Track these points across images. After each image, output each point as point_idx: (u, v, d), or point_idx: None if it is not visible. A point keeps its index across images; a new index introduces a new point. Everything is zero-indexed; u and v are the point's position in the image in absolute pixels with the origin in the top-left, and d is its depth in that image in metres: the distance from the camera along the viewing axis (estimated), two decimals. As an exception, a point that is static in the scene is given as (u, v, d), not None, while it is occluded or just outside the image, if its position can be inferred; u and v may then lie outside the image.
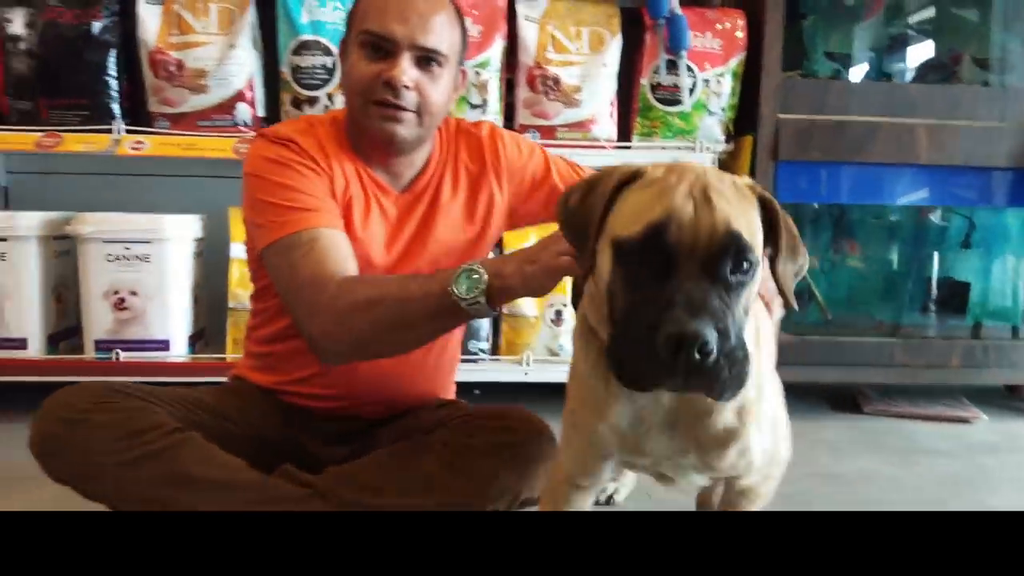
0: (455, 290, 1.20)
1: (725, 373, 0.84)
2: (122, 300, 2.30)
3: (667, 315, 0.82)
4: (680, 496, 1.57)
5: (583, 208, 0.97)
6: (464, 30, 1.45)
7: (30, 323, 2.34)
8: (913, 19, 3.03)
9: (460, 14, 1.44)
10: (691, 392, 0.89)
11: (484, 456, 1.37)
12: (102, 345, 2.32)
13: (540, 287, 1.19)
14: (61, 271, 2.45)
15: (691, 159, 2.49)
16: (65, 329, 2.48)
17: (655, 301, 0.85)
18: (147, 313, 2.31)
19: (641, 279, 0.88)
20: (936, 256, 2.98)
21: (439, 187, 1.49)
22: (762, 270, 0.93)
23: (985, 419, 2.57)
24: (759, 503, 1.17)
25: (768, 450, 1.09)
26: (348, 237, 1.37)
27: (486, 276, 1.20)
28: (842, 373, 2.56)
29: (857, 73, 2.87)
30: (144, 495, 1.28)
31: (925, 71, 2.83)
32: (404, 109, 1.35)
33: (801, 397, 2.71)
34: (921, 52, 2.95)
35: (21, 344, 2.34)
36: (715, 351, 0.82)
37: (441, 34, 1.36)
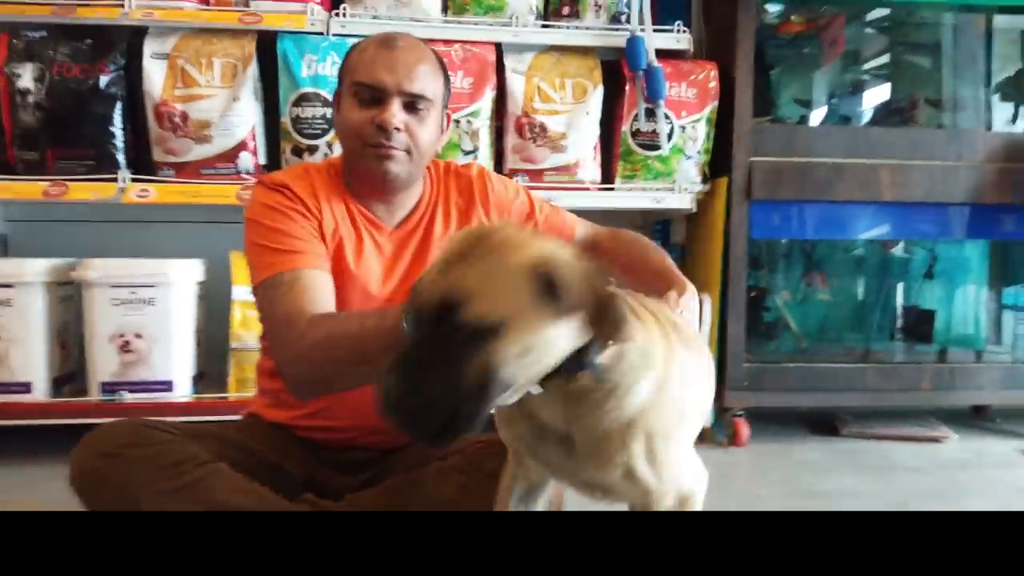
0: (404, 323, 1.18)
1: (414, 420, 0.90)
2: (127, 343, 2.36)
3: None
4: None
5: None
6: (447, 78, 1.59)
7: (35, 367, 2.39)
8: (869, 65, 3.24)
9: (442, 64, 1.59)
10: (404, 432, 0.92)
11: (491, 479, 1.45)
12: (108, 387, 2.37)
13: None
14: (64, 316, 2.50)
15: (671, 199, 2.64)
16: (68, 373, 2.53)
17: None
18: (152, 355, 2.37)
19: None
20: (902, 286, 3.15)
21: (431, 222, 1.60)
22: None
23: (955, 438, 2.73)
24: None
25: (665, 478, 1.09)
26: (343, 272, 1.48)
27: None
28: (819, 398, 2.69)
29: (821, 117, 3.05)
30: (180, 524, 1.35)
31: (885, 114, 3.03)
32: (396, 149, 1.48)
33: (781, 422, 2.84)
34: (879, 96, 3.15)
35: (26, 388, 2.38)
36: (392, 399, 0.89)
37: (425, 81, 1.50)
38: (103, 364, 2.37)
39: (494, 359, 0.89)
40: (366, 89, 1.48)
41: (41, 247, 2.71)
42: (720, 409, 2.64)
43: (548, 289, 0.90)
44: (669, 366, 1.07)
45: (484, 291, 0.89)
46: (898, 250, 3.11)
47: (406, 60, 1.48)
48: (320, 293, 1.40)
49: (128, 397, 2.36)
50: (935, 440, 2.70)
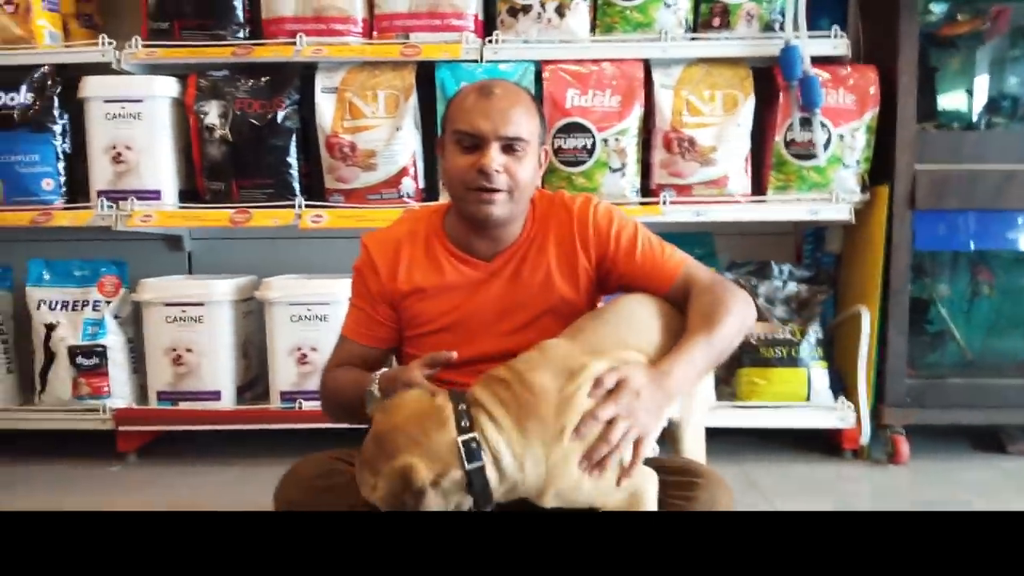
0: (369, 390, 1.50)
1: None
2: (304, 356, 2.57)
3: None
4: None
5: None
6: (542, 116, 1.66)
7: (223, 377, 2.64)
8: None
9: (535, 102, 1.66)
10: None
11: (670, 510, 1.50)
12: (286, 396, 2.59)
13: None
14: (247, 329, 2.74)
15: (828, 210, 2.60)
16: (250, 381, 2.77)
17: None
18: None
19: None
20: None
21: (527, 251, 1.66)
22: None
23: None
24: None
25: (605, 491, 1.32)
26: (425, 307, 1.66)
27: (376, 375, 1.51)
28: (985, 415, 2.58)
29: (987, 120, 2.87)
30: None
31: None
32: (498, 191, 1.56)
33: (943, 437, 2.73)
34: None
35: (216, 396, 2.63)
36: None
37: (520, 123, 1.56)
38: (283, 375, 2.59)
39: None
40: (466, 136, 1.56)
41: (222, 263, 2.97)
42: (878, 426, 2.58)
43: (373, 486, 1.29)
44: (550, 434, 1.29)
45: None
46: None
47: (501, 106, 1.56)
48: (358, 360, 1.69)
49: (305, 405, 2.56)
50: (1115, 461, 2.55)
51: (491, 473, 1.28)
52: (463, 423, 1.29)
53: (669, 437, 1.66)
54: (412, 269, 1.66)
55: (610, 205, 1.71)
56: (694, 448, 1.68)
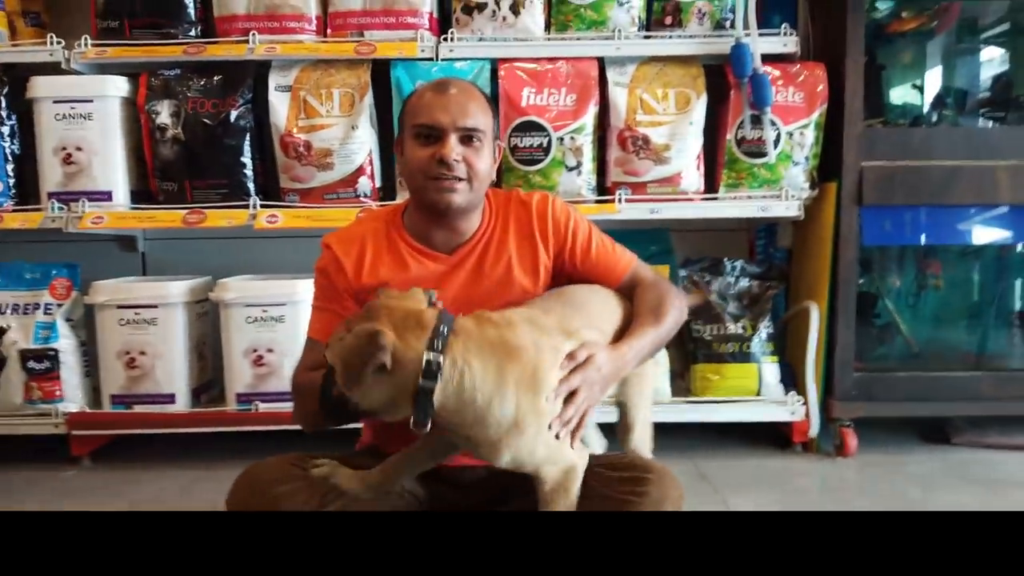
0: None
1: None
2: (260, 357, 2.56)
3: None
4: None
5: None
6: (495, 112, 1.74)
7: (178, 380, 2.62)
8: (987, 59, 3.10)
9: (488, 99, 1.73)
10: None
11: (621, 505, 1.50)
12: (242, 398, 2.58)
13: None
14: (202, 330, 2.72)
15: (777, 207, 2.64)
16: (206, 383, 2.75)
17: None
18: (282, 368, 2.55)
19: None
20: (1018, 285, 3.04)
21: (486, 248, 1.71)
22: None
23: (1077, 448, 2.65)
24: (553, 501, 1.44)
25: (544, 460, 1.41)
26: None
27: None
28: (931, 408, 2.66)
29: (934, 117, 2.94)
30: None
31: (1003, 111, 2.90)
32: (457, 179, 1.61)
33: (890, 429, 2.81)
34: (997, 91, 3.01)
35: (171, 399, 2.61)
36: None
37: (476, 115, 1.64)
38: (238, 377, 2.58)
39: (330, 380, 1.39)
40: (425, 129, 1.62)
41: (176, 263, 2.95)
42: (827, 419, 2.64)
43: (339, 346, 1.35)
44: (530, 375, 1.38)
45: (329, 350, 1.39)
46: (1016, 249, 2.99)
47: (458, 100, 1.63)
48: (321, 360, 1.64)
49: (262, 407, 2.55)
50: (1055, 450, 2.63)
51: (438, 398, 1.33)
52: (436, 344, 1.33)
53: (619, 430, 1.73)
54: (376, 265, 1.68)
55: (565, 202, 1.78)
56: (642, 439, 1.75)
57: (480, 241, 1.71)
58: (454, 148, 1.60)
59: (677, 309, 1.69)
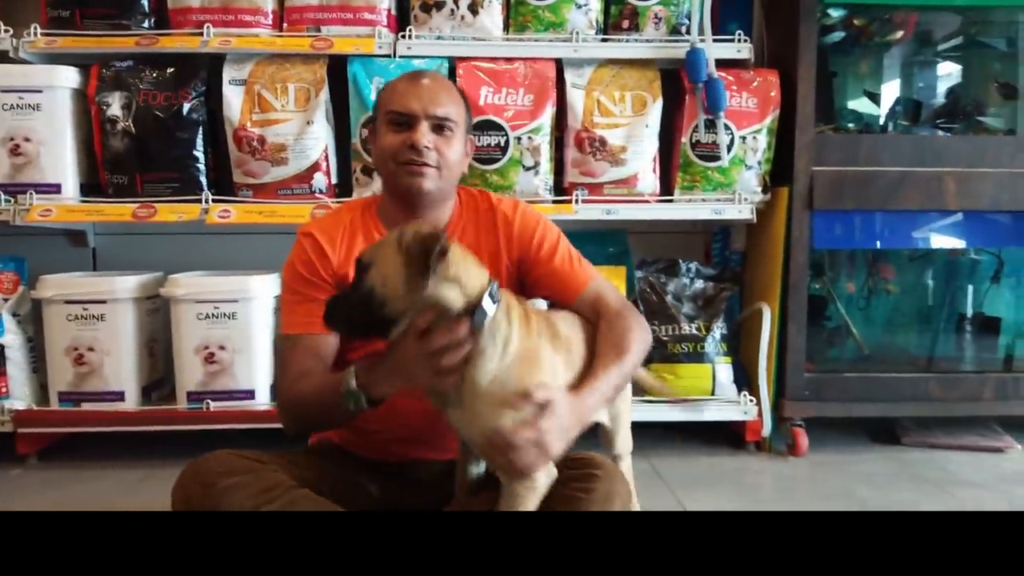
0: (345, 383, 1.48)
1: (344, 315, 1.44)
2: (212, 354, 2.52)
3: None
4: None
5: None
6: (468, 107, 1.77)
7: (127, 377, 2.57)
8: (936, 70, 3.18)
9: (463, 93, 1.77)
10: (337, 330, 1.55)
11: (569, 501, 1.53)
12: (193, 396, 2.54)
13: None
14: (152, 327, 2.68)
15: (731, 210, 2.67)
16: (156, 380, 2.71)
17: None
18: (234, 365, 2.52)
19: None
20: (968, 291, 3.11)
21: (460, 239, 1.70)
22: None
23: (1018, 448, 2.71)
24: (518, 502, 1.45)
25: None
26: None
27: (352, 368, 1.49)
28: (880, 408, 2.70)
29: (884, 123, 3.01)
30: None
31: (951, 118, 2.97)
32: (427, 165, 1.65)
33: (841, 429, 2.86)
34: (945, 100, 3.09)
35: (120, 396, 2.56)
36: (331, 303, 1.45)
37: (448, 106, 1.68)
38: (189, 374, 2.53)
39: (373, 281, 1.37)
40: (398, 116, 1.66)
41: (127, 259, 2.90)
42: (779, 419, 2.68)
43: (400, 239, 1.36)
44: (534, 355, 1.45)
45: (371, 253, 1.41)
46: (963, 254, 3.07)
47: (431, 88, 1.68)
48: (313, 356, 1.65)
49: (213, 406, 2.52)
50: (998, 450, 2.69)
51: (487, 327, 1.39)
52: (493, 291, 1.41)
53: (602, 436, 1.79)
54: (352, 254, 1.66)
55: (536, 211, 1.80)
56: (624, 443, 1.85)
57: (452, 234, 1.71)
58: (425, 135, 1.64)
59: (642, 342, 1.65)
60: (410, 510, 1.66)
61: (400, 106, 1.66)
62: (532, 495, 1.45)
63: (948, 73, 3.20)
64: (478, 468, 1.53)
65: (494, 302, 1.39)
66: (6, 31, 2.53)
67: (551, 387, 1.45)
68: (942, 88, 3.17)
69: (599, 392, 1.54)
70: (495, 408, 1.40)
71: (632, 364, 1.62)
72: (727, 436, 2.77)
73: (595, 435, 1.74)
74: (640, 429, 2.67)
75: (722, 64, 2.66)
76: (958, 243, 2.78)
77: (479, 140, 2.58)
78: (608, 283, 1.76)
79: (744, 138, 2.67)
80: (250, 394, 2.53)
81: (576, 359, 1.58)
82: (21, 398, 2.59)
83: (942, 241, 2.74)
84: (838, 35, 2.92)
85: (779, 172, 2.71)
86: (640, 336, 1.65)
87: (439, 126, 1.67)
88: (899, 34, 2.97)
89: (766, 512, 1.44)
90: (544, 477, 1.46)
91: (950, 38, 3.13)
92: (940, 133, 2.90)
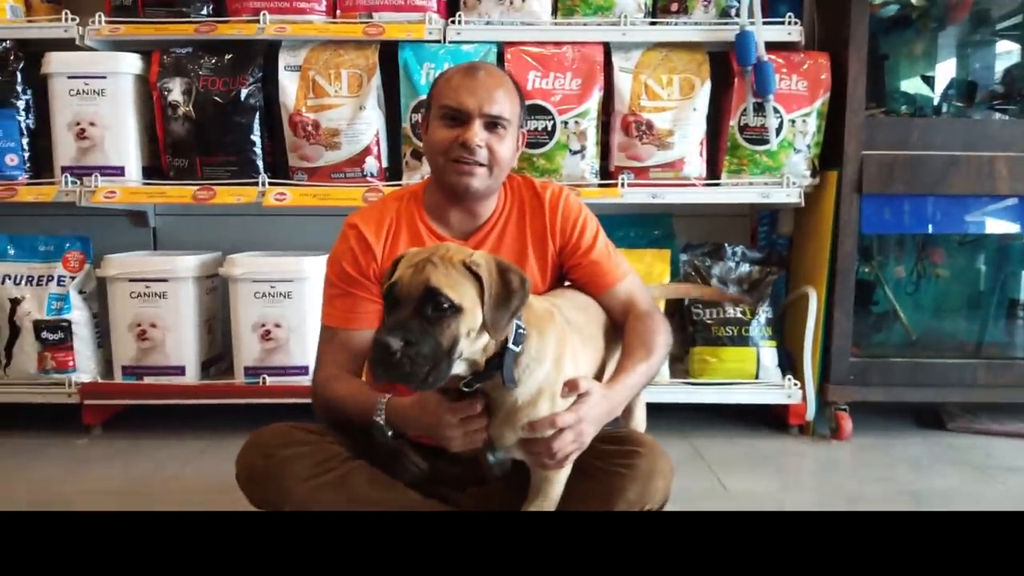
0: (377, 409, 1.52)
1: (408, 368, 1.25)
2: (268, 332, 2.61)
3: (378, 332, 1.28)
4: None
5: (385, 274, 1.43)
6: (522, 99, 1.75)
7: (187, 353, 2.68)
8: (990, 51, 3.11)
9: (517, 86, 1.75)
10: (392, 382, 1.29)
11: (612, 476, 1.58)
12: (250, 371, 2.64)
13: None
14: (211, 305, 2.78)
15: (778, 194, 2.67)
16: (215, 356, 2.82)
17: (382, 325, 1.32)
18: (289, 343, 2.61)
19: (386, 313, 1.34)
20: (1019, 276, 3.07)
21: (503, 232, 1.75)
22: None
23: (1067, 436, 2.69)
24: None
25: None
26: None
27: (384, 400, 1.53)
28: (926, 394, 2.69)
29: (937, 106, 2.96)
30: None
31: (1007, 98, 2.91)
32: (478, 164, 1.65)
33: (885, 414, 2.86)
34: (1001, 84, 3.02)
35: (180, 371, 2.68)
36: (397, 352, 1.23)
37: (503, 103, 1.66)
38: (247, 351, 2.63)
39: (459, 329, 1.29)
40: (452, 111, 1.65)
41: (185, 239, 3.00)
42: (823, 403, 2.69)
43: (471, 271, 1.32)
44: (560, 357, 1.45)
45: (451, 283, 1.29)
46: (1015, 239, 3.02)
47: (487, 85, 1.66)
48: (348, 351, 1.70)
49: (269, 380, 2.61)
50: (1046, 438, 2.68)
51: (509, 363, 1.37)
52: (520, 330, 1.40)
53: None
54: (396, 244, 1.72)
55: (579, 200, 1.81)
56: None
57: (495, 227, 1.75)
58: (478, 133, 1.64)
59: (666, 345, 1.70)
60: (448, 510, 1.68)
61: (455, 101, 1.64)
62: (563, 479, 1.52)
63: (1007, 51, 3.13)
64: (495, 457, 1.53)
65: (516, 345, 1.38)
66: (72, 19, 2.63)
67: (587, 378, 1.50)
68: (999, 69, 3.10)
69: (629, 387, 1.59)
70: (531, 409, 1.42)
71: (657, 364, 1.67)
72: (770, 419, 2.78)
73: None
74: (681, 412, 2.74)
75: (772, 47, 2.65)
76: (1010, 228, 2.74)
77: (526, 124, 2.61)
78: (639, 281, 1.80)
79: (793, 121, 2.66)
80: (304, 370, 2.62)
81: (588, 341, 1.62)
82: (87, 371, 2.72)
83: (993, 226, 2.71)
84: (891, 14, 2.89)
85: (828, 156, 2.70)
86: (665, 340, 1.70)
87: (492, 124, 1.66)
88: (952, 13, 2.92)
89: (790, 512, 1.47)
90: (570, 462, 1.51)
91: (1008, 16, 3.07)
92: (996, 116, 2.85)
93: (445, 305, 1.28)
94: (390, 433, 1.53)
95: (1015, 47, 3.12)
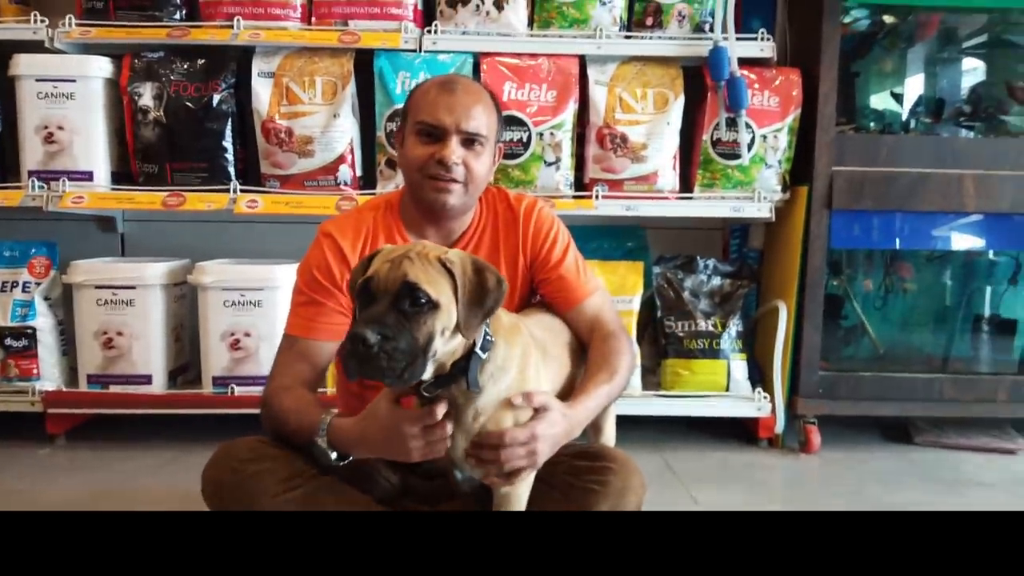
0: (319, 429, 1.48)
1: (384, 363, 1.23)
2: (237, 341, 2.58)
3: (354, 325, 1.26)
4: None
5: (356, 268, 1.41)
6: (499, 113, 1.73)
7: (155, 361, 2.63)
8: (957, 69, 3.17)
9: (495, 100, 1.73)
10: (366, 377, 1.26)
11: (585, 493, 1.57)
12: (219, 381, 2.60)
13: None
14: (179, 313, 2.74)
15: (750, 208, 2.70)
16: (182, 365, 2.77)
17: (357, 319, 1.30)
18: (259, 352, 2.58)
19: (361, 308, 1.31)
20: (985, 291, 3.12)
21: (479, 244, 1.75)
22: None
23: (1031, 450, 2.73)
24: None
25: None
26: None
27: (328, 418, 1.48)
28: (894, 408, 2.72)
29: (905, 124, 3.01)
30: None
31: (970, 120, 2.97)
32: (454, 181, 1.63)
33: (854, 427, 2.88)
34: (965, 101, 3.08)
35: (147, 380, 2.63)
36: (374, 346, 1.21)
37: (480, 119, 1.64)
38: (215, 360, 2.60)
39: (435, 326, 1.28)
40: (428, 127, 1.63)
41: (154, 245, 2.96)
42: (792, 416, 2.71)
43: (446, 269, 1.31)
44: (525, 370, 1.44)
45: (429, 279, 1.28)
46: (981, 255, 3.08)
47: (464, 101, 1.63)
48: (307, 362, 1.65)
49: (238, 391, 2.58)
50: (1011, 452, 2.71)
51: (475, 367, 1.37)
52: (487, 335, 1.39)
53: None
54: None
55: (552, 212, 1.80)
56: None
57: (470, 241, 1.74)
58: (455, 151, 1.62)
59: (630, 367, 1.69)
60: (419, 510, 1.67)
61: (431, 117, 1.62)
62: (523, 496, 1.48)
63: (972, 68, 3.19)
64: (463, 474, 1.50)
65: (483, 351, 1.37)
66: (42, 21, 2.59)
67: (547, 393, 1.49)
68: (965, 86, 3.16)
69: (589, 409, 1.58)
70: (490, 420, 1.41)
71: (619, 386, 1.66)
72: (740, 432, 2.80)
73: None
74: (653, 424, 2.75)
75: (744, 62, 2.68)
76: (976, 245, 2.79)
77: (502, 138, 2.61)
78: (607, 300, 1.79)
79: (765, 136, 2.69)
80: (274, 380, 2.58)
81: (551, 360, 1.59)
82: (51, 379, 2.66)
83: (960, 242, 2.76)
84: (861, 31, 2.93)
85: (799, 171, 2.73)
86: (629, 361, 1.69)
87: (469, 140, 1.64)
88: (920, 32, 2.97)
89: (776, 512, 1.48)
90: (531, 479, 1.49)
91: (974, 35, 3.13)
92: (962, 132, 2.90)
93: (423, 300, 1.27)
94: (333, 455, 1.48)
95: (981, 64, 3.18)
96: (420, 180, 1.65)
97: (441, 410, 1.38)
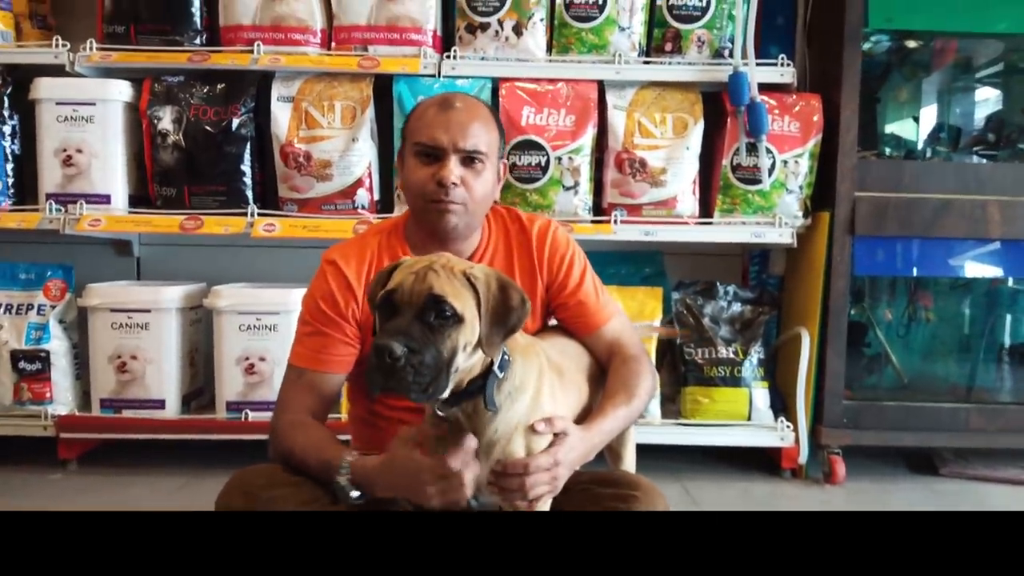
0: (340, 469, 1.44)
1: (410, 378, 1.20)
2: (252, 366, 2.55)
3: (378, 337, 1.22)
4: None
5: (376, 280, 1.38)
6: (500, 128, 1.70)
7: (168, 386, 2.61)
8: (979, 96, 3.15)
9: (495, 115, 1.70)
10: (391, 392, 1.24)
11: None
12: (232, 406, 2.57)
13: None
14: (194, 337, 2.72)
15: (771, 234, 2.66)
16: (196, 389, 2.75)
17: (382, 332, 1.26)
18: (273, 377, 2.55)
19: (382, 321, 1.28)
20: (1008, 319, 3.07)
21: (490, 265, 1.67)
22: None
23: (1061, 483, 2.66)
24: None
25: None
26: None
27: (348, 460, 1.45)
28: (919, 438, 2.67)
29: (927, 150, 2.99)
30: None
31: (992, 143, 2.95)
32: (455, 203, 1.59)
33: (879, 458, 2.82)
34: (988, 127, 3.06)
35: (160, 404, 2.61)
36: (401, 358, 1.19)
37: (479, 136, 1.61)
38: (229, 385, 2.57)
39: (458, 340, 1.26)
40: (425, 148, 1.60)
41: (170, 269, 2.95)
42: (816, 446, 2.65)
43: (470, 283, 1.29)
44: (540, 391, 1.41)
45: (454, 292, 1.26)
46: (1004, 282, 3.04)
47: (460, 120, 1.60)
48: (315, 394, 1.61)
49: (251, 416, 2.55)
50: (1040, 485, 2.65)
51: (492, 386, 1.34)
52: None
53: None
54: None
55: (567, 233, 1.76)
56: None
57: (480, 261, 1.68)
58: (453, 171, 1.58)
59: (650, 391, 1.66)
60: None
61: (428, 138, 1.59)
62: None
63: (987, 98, 3.18)
64: (478, 501, 1.45)
65: (500, 370, 1.35)
66: (63, 45, 2.60)
67: (566, 419, 1.46)
68: (981, 115, 3.14)
69: (606, 432, 1.55)
70: (508, 443, 1.38)
71: (638, 409, 1.63)
72: (762, 462, 2.74)
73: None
74: (673, 453, 2.70)
75: (764, 88, 2.67)
76: (1000, 272, 2.75)
77: (520, 160, 2.60)
78: (627, 324, 1.76)
79: (786, 162, 2.67)
80: (288, 406, 2.55)
81: (568, 384, 1.56)
82: (64, 404, 2.64)
83: (985, 270, 2.72)
84: (881, 57, 2.92)
85: (821, 197, 2.70)
86: (649, 385, 1.66)
87: (469, 159, 1.60)
88: (937, 59, 2.96)
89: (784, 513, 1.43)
90: (549, 503, 1.45)
91: (990, 64, 3.11)
92: (978, 160, 2.88)
93: (448, 313, 1.25)
94: (354, 494, 1.44)
95: (997, 93, 3.16)
96: (422, 204, 1.62)
97: (455, 460, 1.33)
